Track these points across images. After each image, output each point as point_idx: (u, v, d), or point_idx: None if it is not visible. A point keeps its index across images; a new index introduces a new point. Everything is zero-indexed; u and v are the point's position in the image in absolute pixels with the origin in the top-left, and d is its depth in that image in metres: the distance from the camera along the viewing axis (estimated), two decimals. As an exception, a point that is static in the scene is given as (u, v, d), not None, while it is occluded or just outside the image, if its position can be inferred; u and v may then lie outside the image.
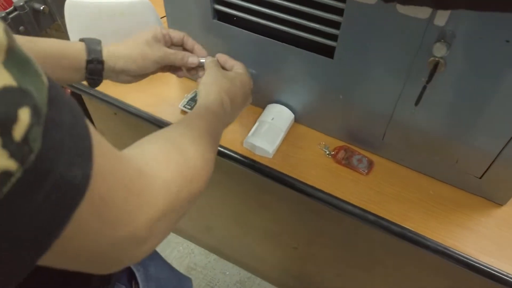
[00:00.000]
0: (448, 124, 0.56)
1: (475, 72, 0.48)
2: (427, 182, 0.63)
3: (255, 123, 0.69)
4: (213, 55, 0.72)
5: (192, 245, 1.35)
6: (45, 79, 0.20)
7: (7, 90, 0.17)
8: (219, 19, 0.64)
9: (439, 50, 0.46)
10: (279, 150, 0.67)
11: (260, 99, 0.72)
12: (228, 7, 0.62)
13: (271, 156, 0.66)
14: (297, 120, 0.71)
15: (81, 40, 0.53)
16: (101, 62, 0.52)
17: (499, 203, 0.61)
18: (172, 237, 1.38)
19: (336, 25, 0.54)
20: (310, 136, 0.70)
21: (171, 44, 0.59)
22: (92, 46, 0.52)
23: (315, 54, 0.59)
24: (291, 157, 0.67)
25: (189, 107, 0.71)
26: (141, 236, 0.28)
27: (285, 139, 0.69)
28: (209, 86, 0.52)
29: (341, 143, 0.68)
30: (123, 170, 0.27)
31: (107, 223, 0.25)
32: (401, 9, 0.46)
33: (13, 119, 0.17)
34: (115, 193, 0.25)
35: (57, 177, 0.19)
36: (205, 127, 0.43)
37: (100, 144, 0.24)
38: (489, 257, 0.55)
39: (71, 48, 0.51)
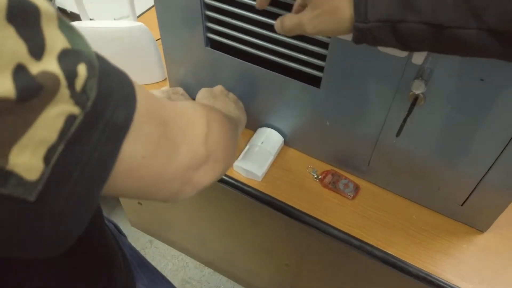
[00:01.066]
0: (428, 153, 0.57)
1: (453, 107, 0.50)
2: (411, 207, 0.65)
3: (246, 146, 0.71)
4: (205, 80, 0.74)
5: (187, 258, 1.36)
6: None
7: (65, 52, 0.21)
8: (211, 47, 0.67)
9: (418, 87, 0.48)
10: (268, 173, 0.69)
11: (251, 122, 0.74)
12: (220, 36, 0.64)
13: (260, 180, 0.68)
14: (286, 143, 0.73)
15: None
16: None
17: (480, 230, 0.62)
18: (168, 249, 1.39)
19: (322, 57, 0.56)
20: (299, 160, 0.72)
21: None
22: None
23: (303, 83, 0.61)
24: (280, 180, 0.69)
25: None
26: (201, 153, 0.34)
27: (275, 162, 0.71)
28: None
29: (329, 167, 0.70)
30: (167, 102, 0.33)
31: (174, 144, 0.31)
32: (380, 47, 0.48)
33: (74, 74, 0.21)
34: (176, 117, 0.32)
35: (108, 117, 0.23)
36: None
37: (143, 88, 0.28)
38: (467, 283, 0.57)
39: None
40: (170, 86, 0.80)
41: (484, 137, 0.51)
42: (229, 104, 0.62)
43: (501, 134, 0.50)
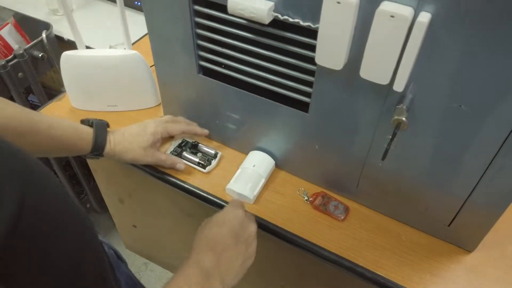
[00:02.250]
0: (414, 175, 0.59)
1: (434, 131, 0.52)
2: (400, 228, 0.66)
3: (238, 169, 0.73)
4: (199, 108, 0.76)
5: (182, 281, 1.35)
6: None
7: None
8: (204, 74, 0.69)
9: (399, 113, 0.50)
10: (260, 196, 0.71)
11: (243, 146, 0.76)
12: (212, 64, 0.67)
13: (252, 202, 0.69)
14: (278, 166, 0.75)
15: (90, 124, 0.66)
16: (102, 154, 0.67)
17: (468, 250, 0.63)
18: (163, 272, 1.39)
19: (309, 84, 0.59)
20: (290, 182, 0.73)
21: (169, 136, 0.75)
22: (99, 140, 0.65)
23: (292, 109, 0.64)
24: (272, 203, 0.70)
25: (176, 153, 0.75)
26: None
27: (266, 185, 0.72)
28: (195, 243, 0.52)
29: (319, 189, 0.72)
30: None
31: None
32: (363, 74, 0.50)
33: None
34: None
35: None
36: None
37: None
38: (457, 304, 0.58)
39: (81, 142, 0.64)
40: (164, 111, 0.82)
41: (466, 160, 0.53)
42: (236, 263, 0.51)
43: (481, 156, 0.52)
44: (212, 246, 0.50)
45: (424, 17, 0.42)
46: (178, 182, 0.72)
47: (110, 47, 1.03)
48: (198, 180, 0.72)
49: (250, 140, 0.74)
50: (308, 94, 0.60)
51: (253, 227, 0.54)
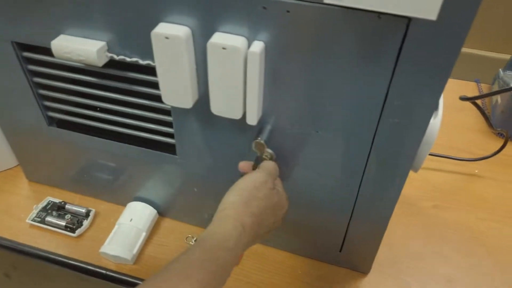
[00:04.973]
0: (294, 205, 0.56)
1: (301, 159, 0.50)
2: (295, 261, 0.62)
3: (115, 226, 0.64)
4: (62, 164, 0.67)
5: None
6: None
7: None
8: (57, 126, 0.60)
9: (259, 147, 0.47)
10: (141, 253, 0.63)
11: (120, 198, 0.68)
12: (63, 113, 0.59)
13: (132, 263, 0.61)
14: (161, 214, 0.68)
15: None
16: None
17: (364, 272, 0.61)
18: None
19: (170, 124, 0.53)
20: (177, 230, 0.66)
21: None
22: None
23: (159, 152, 0.58)
24: (156, 259, 0.62)
25: (39, 219, 0.64)
26: None
27: (149, 239, 0.64)
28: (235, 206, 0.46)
29: (209, 233, 0.66)
30: None
31: None
32: (214, 110, 0.46)
33: None
34: None
35: None
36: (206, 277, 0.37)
37: None
38: (357, 335, 0.54)
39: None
40: (25, 171, 0.71)
41: (338, 184, 0.51)
42: (269, 220, 0.46)
43: (350, 179, 0.50)
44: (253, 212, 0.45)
45: (257, 47, 0.39)
46: (43, 254, 0.62)
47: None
48: (67, 248, 0.62)
49: (126, 191, 0.66)
50: (171, 135, 0.55)
51: (286, 207, 0.49)
